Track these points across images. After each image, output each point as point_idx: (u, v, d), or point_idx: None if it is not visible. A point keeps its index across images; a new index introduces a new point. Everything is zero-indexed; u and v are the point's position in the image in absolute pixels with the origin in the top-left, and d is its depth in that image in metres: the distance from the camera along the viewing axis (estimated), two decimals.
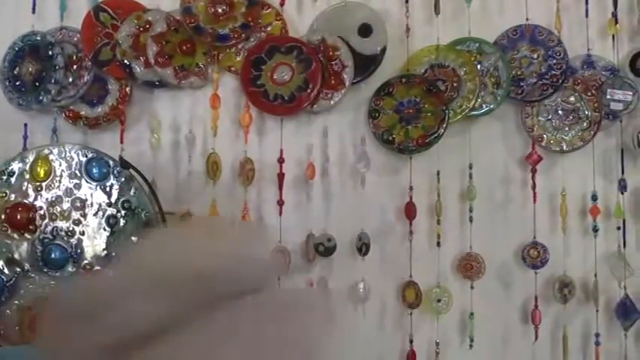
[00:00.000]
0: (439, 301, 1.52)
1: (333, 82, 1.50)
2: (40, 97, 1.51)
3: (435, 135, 1.49)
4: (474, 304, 1.52)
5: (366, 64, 1.51)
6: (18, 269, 1.45)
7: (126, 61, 1.51)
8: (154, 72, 1.51)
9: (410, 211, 1.50)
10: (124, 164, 1.45)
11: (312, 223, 1.52)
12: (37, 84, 1.52)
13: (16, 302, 1.44)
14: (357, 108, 1.55)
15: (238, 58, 1.53)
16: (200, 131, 1.54)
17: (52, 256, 1.46)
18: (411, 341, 1.51)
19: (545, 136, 1.53)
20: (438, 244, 1.51)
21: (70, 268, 1.45)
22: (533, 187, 1.51)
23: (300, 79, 1.49)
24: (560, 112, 1.53)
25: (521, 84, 1.52)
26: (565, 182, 1.52)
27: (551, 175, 1.55)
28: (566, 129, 1.53)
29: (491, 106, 1.51)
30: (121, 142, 1.52)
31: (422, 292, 1.51)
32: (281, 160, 1.51)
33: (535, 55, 1.52)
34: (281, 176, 1.51)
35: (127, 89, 1.54)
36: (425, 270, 1.51)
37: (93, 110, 1.55)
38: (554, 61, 1.51)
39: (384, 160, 1.55)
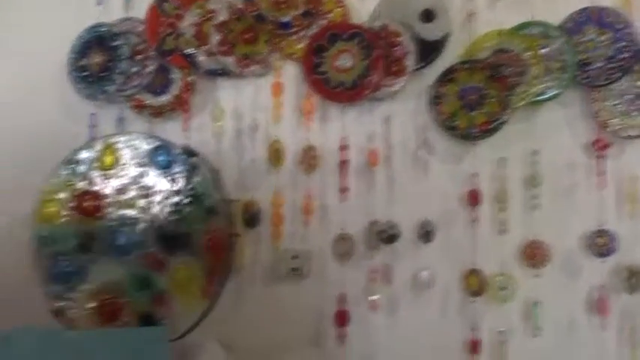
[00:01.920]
0: (503, 289, 1.50)
1: (395, 68, 1.49)
2: (106, 87, 1.55)
3: (499, 121, 1.47)
4: (538, 292, 1.50)
5: (429, 50, 1.50)
6: (87, 255, 1.48)
7: (189, 51, 1.53)
8: (216, 61, 1.52)
9: (474, 198, 1.48)
10: (189, 152, 1.47)
11: (375, 211, 1.52)
12: (103, 74, 1.55)
13: (85, 287, 1.47)
14: (419, 94, 1.54)
15: (300, 46, 1.53)
16: (262, 119, 1.55)
17: (119, 242, 1.49)
18: (475, 329, 1.49)
19: (612, 121, 1.49)
20: (503, 231, 1.50)
21: (135, 255, 1.48)
22: (601, 173, 1.48)
23: (362, 66, 1.49)
24: (628, 96, 1.49)
25: (587, 68, 1.49)
26: (633, 168, 1.48)
27: (619, 161, 1.51)
28: (634, 114, 1.49)
29: (557, 92, 1.48)
30: (185, 130, 1.54)
31: (486, 279, 1.49)
32: (344, 148, 1.51)
33: (602, 38, 1.48)
34: (344, 163, 1.51)
35: (190, 78, 1.56)
36: (489, 257, 1.50)
37: (157, 99, 1.57)
38: (623, 44, 1.47)
39: (447, 146, 1.53)
